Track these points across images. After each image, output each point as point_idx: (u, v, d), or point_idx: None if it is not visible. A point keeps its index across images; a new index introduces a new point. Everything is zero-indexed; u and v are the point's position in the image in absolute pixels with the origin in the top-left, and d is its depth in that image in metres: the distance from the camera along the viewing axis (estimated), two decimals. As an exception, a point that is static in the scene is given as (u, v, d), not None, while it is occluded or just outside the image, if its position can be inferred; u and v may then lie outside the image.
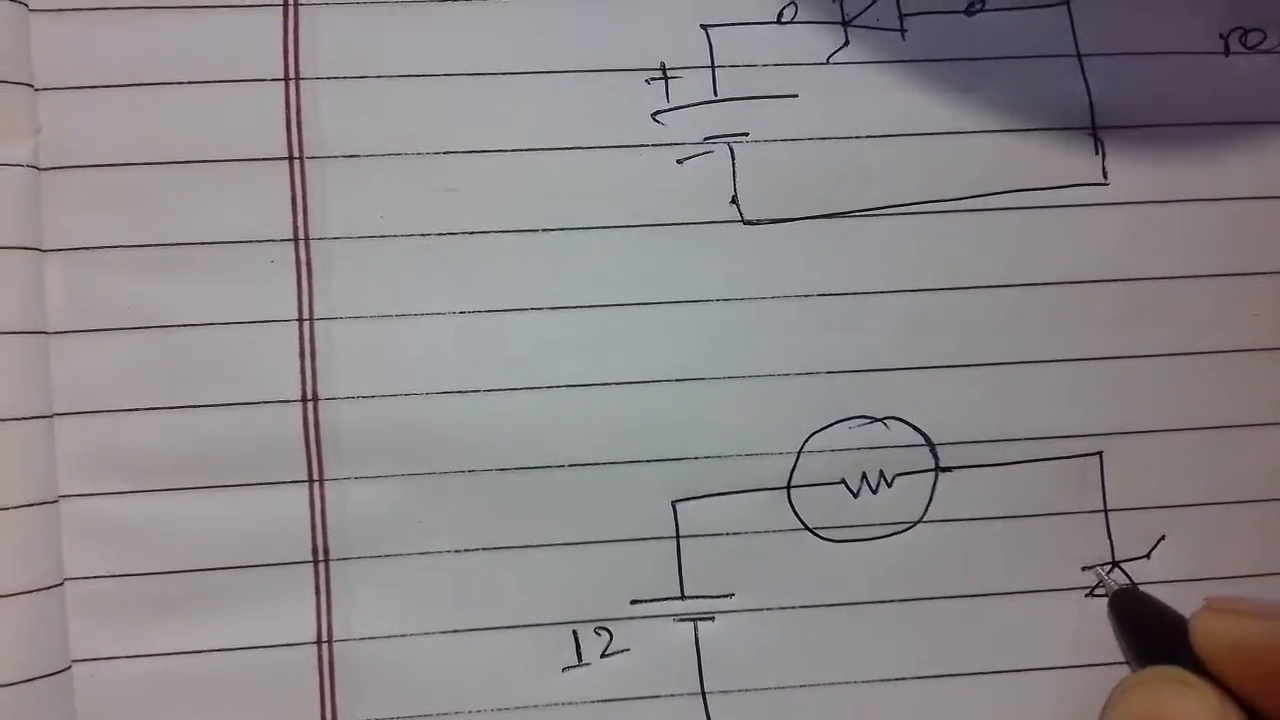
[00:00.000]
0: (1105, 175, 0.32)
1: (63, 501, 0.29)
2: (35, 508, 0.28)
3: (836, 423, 0.31)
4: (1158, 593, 0.31)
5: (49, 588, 0.28)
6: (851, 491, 0.31)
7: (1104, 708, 0.28)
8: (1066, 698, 0.31)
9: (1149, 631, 0.30)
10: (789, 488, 0.31)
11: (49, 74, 0.29)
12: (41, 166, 0.29)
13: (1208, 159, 0.32)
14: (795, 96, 0.31)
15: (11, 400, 0.28)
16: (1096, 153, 0.32)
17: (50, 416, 0.29)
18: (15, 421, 0.28)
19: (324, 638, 0.29)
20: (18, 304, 0.28)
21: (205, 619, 0.29)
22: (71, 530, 0.29)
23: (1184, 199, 0.32)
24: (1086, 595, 0.31)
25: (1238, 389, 0.32)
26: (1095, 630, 0.31)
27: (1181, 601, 0.31)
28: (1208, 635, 0.27)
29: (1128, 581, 0.31)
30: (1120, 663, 0.31)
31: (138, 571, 0.29)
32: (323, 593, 0.29)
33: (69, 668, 0.28)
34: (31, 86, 0.29)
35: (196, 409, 0.29)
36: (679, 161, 0.31)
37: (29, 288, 0.29)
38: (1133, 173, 0.32)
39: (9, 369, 0.28)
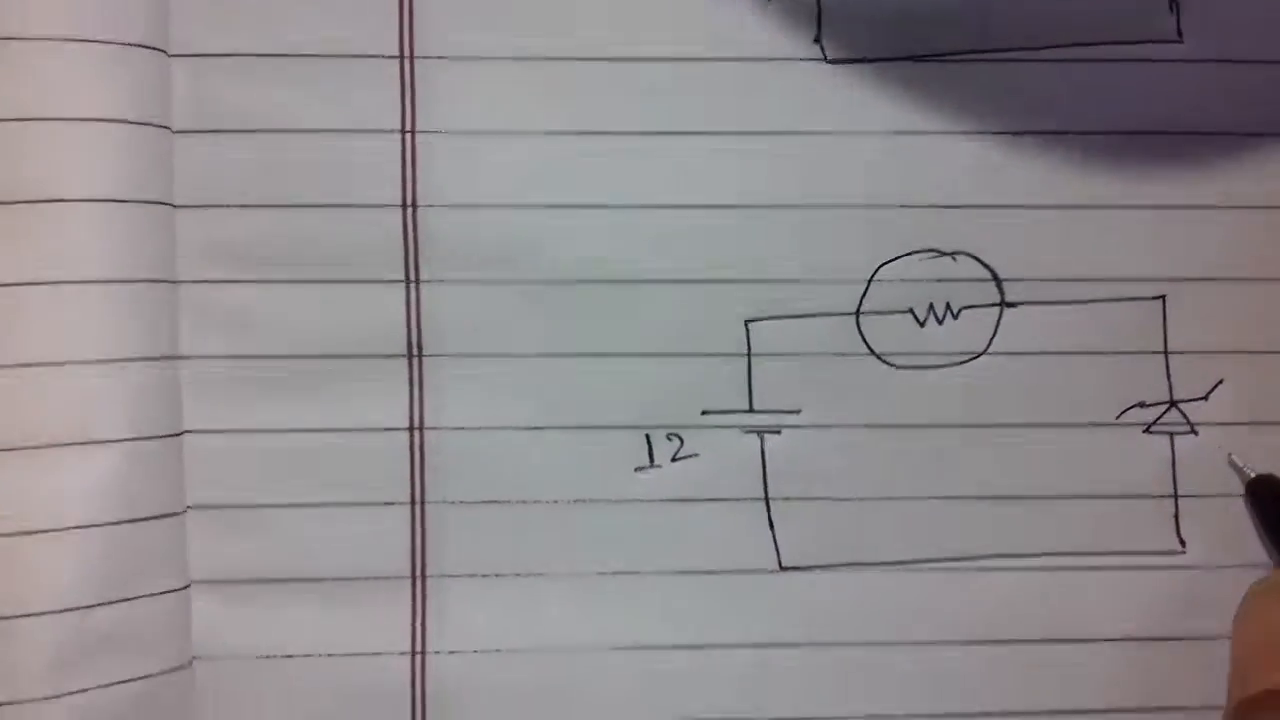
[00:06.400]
0: (1180, 33, 0.33)
1: (180, 286, 0.31)
2: (156, 284, 0.30)
3: (907, 254, 0.32)
4: (1213, 435, 0.32)
5: (165, 358, 0.30)
6: (918, 321, 0.32)
7: (1241, 606, 0.27)
8: (1117, 526, 0.32)
9: None
10: (858, 314, 0.32)
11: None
12: (173, -23, 0.31)
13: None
14: (881, -58, 0.32)
15: (139, 186, 0.30)
16: (1171, 11, 0.33)
17: (172, 205, 0.31)
18: (142, 204, 0.30)
19: (416, 424, 0.31)
20: (147, 100, 0.30)
21: (307, 401, 0.31)
22: (186, 313, 0.31)
23: (1256, 60, 0.33)
24: (1144, 431, 0.32)
25: (1304, 242, 0.33)
26: (1150, 465, 0.32)
27: (1236, 445, 0.32)
28: None
29: (1268, 472, 0.30)
30: (1169, 496, 0.32)
31: (246, 354, 0.31)
32: (416, 384, 0.31)
33: (180, 434, 0.31)
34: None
35: (305, 208, 0.31)
36: (767, 0, 0.32)
37: (157, 87, 0.31)
38: (1206, 32, 0.33)
39: (137, 159, 0.30)
